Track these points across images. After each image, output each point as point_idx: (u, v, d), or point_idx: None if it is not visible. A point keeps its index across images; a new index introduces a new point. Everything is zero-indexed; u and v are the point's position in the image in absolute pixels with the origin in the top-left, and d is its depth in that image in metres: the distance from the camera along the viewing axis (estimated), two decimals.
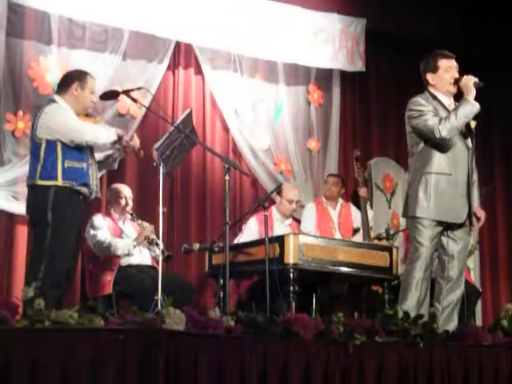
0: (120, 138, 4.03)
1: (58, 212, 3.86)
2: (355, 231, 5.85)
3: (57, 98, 4.07)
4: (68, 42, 5.46)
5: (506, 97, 7.69)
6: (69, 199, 3.90)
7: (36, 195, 3.94)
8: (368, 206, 5.98)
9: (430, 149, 4.03)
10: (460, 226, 4.07)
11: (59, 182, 3.87)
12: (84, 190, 3.95)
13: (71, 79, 4.09)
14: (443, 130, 3.93)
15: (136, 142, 4.14)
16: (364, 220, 5.70)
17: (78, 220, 4.01)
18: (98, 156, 4.25)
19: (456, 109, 3.98)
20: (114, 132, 4.06)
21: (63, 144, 3.89)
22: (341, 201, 5.95)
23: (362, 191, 5.91)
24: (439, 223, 4.01)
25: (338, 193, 5.91)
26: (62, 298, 3.86)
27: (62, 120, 3.93)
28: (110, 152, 4.24)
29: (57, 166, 3.88)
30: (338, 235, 5.61)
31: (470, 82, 4.00)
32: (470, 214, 4.05)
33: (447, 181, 4.01)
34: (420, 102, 4.07)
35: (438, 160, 4.02)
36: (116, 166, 4.43)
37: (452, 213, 4.01)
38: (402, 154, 6.61)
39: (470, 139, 4.11)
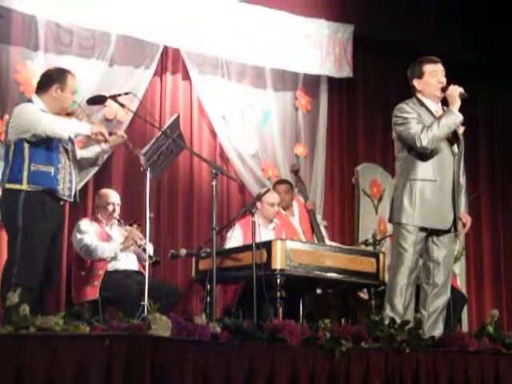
0: (97, 134, 3.93)
1: (28, 216, 3.79)
2: None
3: (34, 98, 4.00)
4: (55, 48, 5.45)
5: (492, 103, 7.76)
6: (40, 203, 3.83)
7: (6, 199, 3.88)
8: (318, 216, 5.93)
9: (416, 155, 4.05)
10: (446, 232, 4.08)
11: (24, 185, 3.80)
12: (51, 193, 3.86)
13: (51, 80, 3.99)
14: (424, 140, 3.94)
15: (118, 138, 4.13)
16: (317, 231, 5.66)
17: (53, 222, 3.91)
18: (87, 154, 4.22)
19: (439, 118, 3.99)
20: (88, 128, 3.94)
21: (31, 147, 3.82)
22: (296, 204, 5.86)
23: (309, 204, 5.82)
24: (424, 229, 4.02)
25: (291, 199, 5.79)
26: (42, 302, 3.82)
27: (25, 116, 3.85)
28: (98, 149, 4.21)
29: (23, 169, 3.80)
30: None
31: (455, 92, 4.02)
32: (455, 219, 4.07)
33: (432, 187, 4.02)
34: (405, 109, 4.08)
35: (423, 166, 4.03)
36: (101, 162, 4.37)
37: (437, 219, 4.03)
38: (388, 160, 6.65)
39: (456, 145, 4.13)
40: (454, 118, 3.99)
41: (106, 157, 4.40)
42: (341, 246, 5.57)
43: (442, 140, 4.00)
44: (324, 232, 5.87)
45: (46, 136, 3.82)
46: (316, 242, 5.62)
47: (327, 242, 5.68)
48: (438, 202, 4.02)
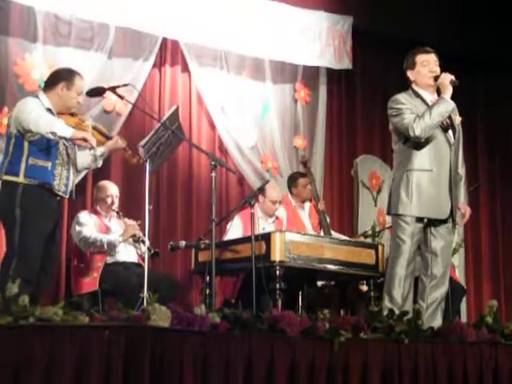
0: (82, 140, 3.84)
1: (26, 209, 3.81)
2: None
3: (40, 94, 4.04)
4: (54, 40, 5.43)
5: (490, 96, 7.75)
6: (38, 196, 3.85)
7: (4, 191, 3.90)
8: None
9: (412, 145, 4.05)
10: (443, 222, 4.08)
11: (21, 178, 3.82)
12: (47, 188, 3.88)
13: (59, 78, 4.05)
14: (417, 129, 3.94)
15: (116, 143, 4.12)
16: (326, 230, 5.59)
17: (50, 216, 3.93)
18: (86, 161, 4.22)
19: (431, 107, 3.99)
20: (69, 131, 3.83)
21: (30, 141, 3.84)
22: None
23: (321, 204, 5.70)
24: (421, 219, 4.03)
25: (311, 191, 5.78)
26: (38, 294, 3.82)
27: (22, 108, 3.88)
28: (94, 153, 4.22)
29: (21, 162, 3.83)
30: None
31: (446, 79, 4.01)
32: (453, 209, 4.06)
33: (429, 177, 4.02)
34: (399, 100, 4.08)
35: (419, 157, 4.03)
36: (100, 163, 4.37)
37: (434, 209, 4.03)
38: (387, 152, 6.65)
39: (452, 135, 4.12)
40: (446, 106, 3.98)
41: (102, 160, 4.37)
42: (345, 237, 5.57)
43: (434, 128, 3.99)
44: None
45: (29, 129, 3.82)
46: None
47: (333, 234, 5.66)
48: (435, 192, 4.02)
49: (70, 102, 4.04)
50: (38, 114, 3.85)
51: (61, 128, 3.83)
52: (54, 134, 3.81)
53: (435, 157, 4.03)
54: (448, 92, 4.00)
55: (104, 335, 2.53)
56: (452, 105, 4.01)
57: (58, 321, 2.57)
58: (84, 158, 4.22)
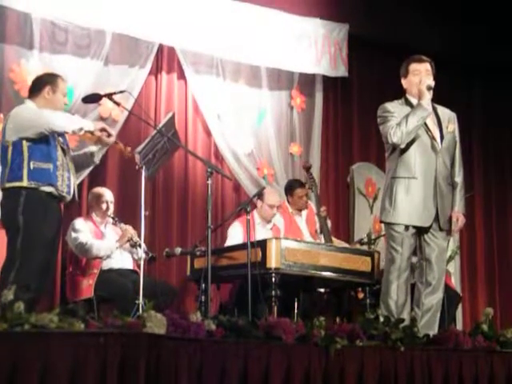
0: (103, 130, 4.02)
1: (28, 216, 3.83)
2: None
3: (28, 102, 4.07)
4: (50, 47, 5.44)
5: (486, 102, 7.77)
6: (41, 202, 3.87)
7: (7, 199, 3.92)
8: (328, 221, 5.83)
9: (398, 153, 4.06)
10: (435, 230, 4.08)
11: (24, 182, 3.84)
12: (51, 190, 3.90)
13: (43, 83, 4.09)
14: (394, 136, 3.96)
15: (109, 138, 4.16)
16: (326, 237, 5.57)
17: (53, 222, 3.95)
18: (83, 161, 4.26)
19: (407, 114, 4.00)
20: (91, 124, 4.04)
21: (30, 145, 3.87)
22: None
23: (323, 210, 5.65)
24: (411, 227, 4.02)
25: (307, 201, 5.78)
26: (37, 300, 3.84)
27: (25, 115, 3.92)
28: (93, 149, 4.25)
29: (23, 167, 3.85)
30: None
31: (423, 86, 4.02)
32: (438, 217, 4.06)
33: (412, 184, 4.02)
34: (386, 108, 4.09)
35: (404, 164, 4.04)
36: (98, 160, 4.39)
37: (416, 216, 4.02)
38: (383, 159, 6.61)
39: (440, 142, 4.11)
40: (421, 112, 3.98)
41: (101, 155, 4.40)
42: (345, 244, 5.55)
43: (412, 135, 3.99)
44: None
45: (50, 131, 3.87)
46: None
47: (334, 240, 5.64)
48: (418, 200, 4.02)
49: (59, 104, 4.09)
50: (56, 115, 3.92)
51: (85, 122, 3.98)
52: (80, 129, 3.92)
53: (420, 164, 4.04)
54: (425, 98, 4.00)
55: (99, 342, 2.52)
56: (428, 111, 4.00)
57: (53, 328, 2.56)
58: (81, 159, 4.26)
